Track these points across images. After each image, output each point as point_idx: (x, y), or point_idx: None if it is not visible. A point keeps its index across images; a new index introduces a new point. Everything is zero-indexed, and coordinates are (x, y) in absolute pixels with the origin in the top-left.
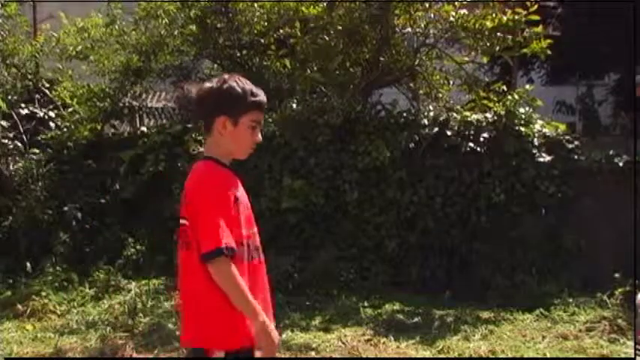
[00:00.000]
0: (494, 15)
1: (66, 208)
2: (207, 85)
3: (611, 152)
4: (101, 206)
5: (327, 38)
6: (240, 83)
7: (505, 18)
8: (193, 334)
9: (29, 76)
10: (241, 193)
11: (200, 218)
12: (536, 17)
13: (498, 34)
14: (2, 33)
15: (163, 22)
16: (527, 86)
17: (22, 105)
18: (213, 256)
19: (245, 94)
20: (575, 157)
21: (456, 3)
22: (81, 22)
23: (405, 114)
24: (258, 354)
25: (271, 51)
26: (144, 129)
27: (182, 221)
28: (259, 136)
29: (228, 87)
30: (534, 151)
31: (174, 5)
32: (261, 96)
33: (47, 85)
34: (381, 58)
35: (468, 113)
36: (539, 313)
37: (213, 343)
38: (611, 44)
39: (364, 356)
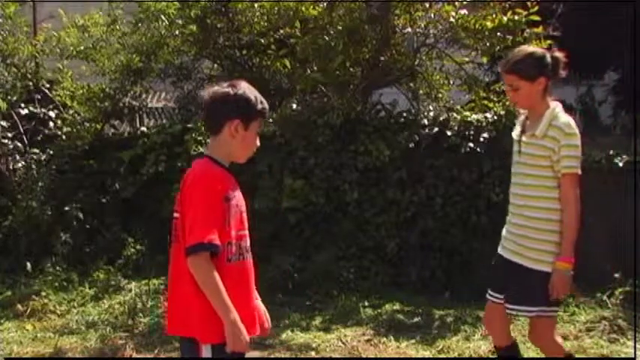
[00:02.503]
0: (494, 15)
1: (66, 208)
2: (222, 89)
3: (611, 152)
4: (101, 206)
5: (327, 38)
6: (251, 90)
7: (505, 18)
8: (180, 324)
9: (29, 76)
10: (235, 194)
11: (189, 214)
12: (536, 17)
13: (498, 34)
14: (2, 33)
15: (163, 23)
16: None
17: (22, 105)
18: (195, 250)
19: (256, 101)
20: None
21: (457, 3)
22: (81, 19)
23: (405, 114)
24: (227, 350)
25: (271, 51)
26: (144, 129)
27: (175, 215)
28: (258, 141)
29: (243, 93)
30: None
31: (173, 6)
32: (266, 104)
33: (47, 85)
34: (381, 58)
35: (468, 113)
36: None
37: (198, 334)
38: (612, 44)
39: (364, 356)
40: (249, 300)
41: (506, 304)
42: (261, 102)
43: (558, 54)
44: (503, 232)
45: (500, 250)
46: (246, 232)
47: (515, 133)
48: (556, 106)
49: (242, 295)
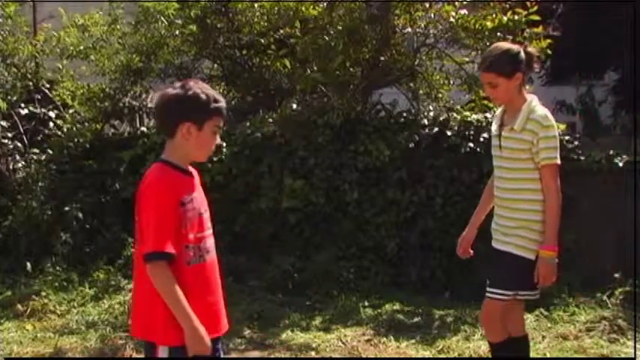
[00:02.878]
0: (494, 15)
1: (66, 208)
2: (172, 91)
3: (611, 152)
4: (101, 206)
5: (327, 38)
6: (203, 89)
7: (505, 18)
8: (142, 327)
9: (29, 76)
10: (192, 197)
11: (144, 220)
12: (536, 17)
13: (498, 34)
14: (2, 33)
15: (163, 24)
16: (527, 86)
17: (22, 105)
18: (151, 258)
19: (209, 100)
20: (575, 157)
21: (456, 3)
22: (80, 19)
23: (405, 114)
24: (189, 354)
25: (271, 51)
26: (144, 129)
27: (137, 217)
28: (219, 140)
29: (193, 93)
30: None
31: (173, 7)
32: (222, 102)
33: (47, 85)
34: (381, 58)
35: (467, 113)
36: (539, 313)
37: (157, 337)
38: (612, 44)
39: (364, 356)
40: (209, 301)
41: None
42: (216, 100)
43: (531, 49)
44: (492, 224)
45: (493, 244)
46: (207, 232)
47: (494, 128)
48: (532, 99)
49: (202, 298)
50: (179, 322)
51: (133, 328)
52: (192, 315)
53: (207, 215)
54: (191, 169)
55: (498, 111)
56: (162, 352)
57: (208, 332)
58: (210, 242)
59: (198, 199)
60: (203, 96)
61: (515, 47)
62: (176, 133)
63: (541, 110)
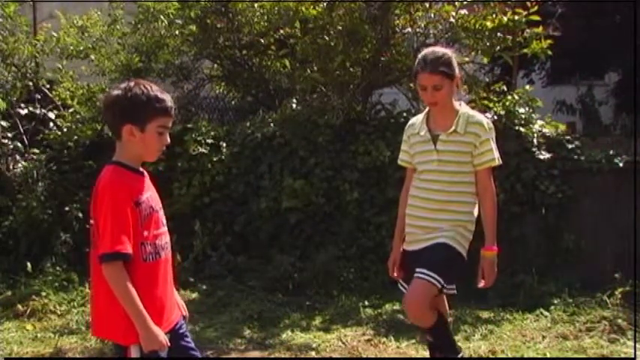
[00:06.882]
0: (494, 15)
1: (66, 208)
2: (114, 93)
3: (611, 152)
4: None
5: (327, 38)
6: (145, 90)
7: (505, 18)
8: (103, 327)
9: (29, 76)
10: (147, 196)
11: (99, 222)
12: (536, 17)
13: (499, 34)
14: (2, 33)
15: (163, 23)
16: (527, 86)
17: (22, 105)
18: (107, 259)
19: (149, 101)
20: (575, 157)
21: (457, 3)
22: (79, 20)
23: (405, 114)
24: (145, 351)
25: (271, 51)
26: None
27: (92, 221)
28: (167, 139)
29: (132, 95)
30: (534, 150)
31: (173, 6)
32: (167, 102)
33: (47, 86)
34: (381, 58)
35: None
36: (539, 313)
37: (125, 337)
38: (612, 45)
39: (364, 356)
40: (156, 295)
41: (417, 269)
42: (158, 100)
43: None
44: (412, 229)
45: (406, 247)
46: (162, 229)
47: (423, 133)
48: (462, 104)
49: (150, 292)
50: (133, 321)
51: (93, 328)
52: (146, 314)
53: (162, 213)
54: (141, 168)
55: (412, 121)
56: (134, 351)
57: (158, 325)
58: (165, 239)
59: (153, 197)
60: (143, 97)
61: (449, 50)
62: (121, 135)
63: (479, 115)
